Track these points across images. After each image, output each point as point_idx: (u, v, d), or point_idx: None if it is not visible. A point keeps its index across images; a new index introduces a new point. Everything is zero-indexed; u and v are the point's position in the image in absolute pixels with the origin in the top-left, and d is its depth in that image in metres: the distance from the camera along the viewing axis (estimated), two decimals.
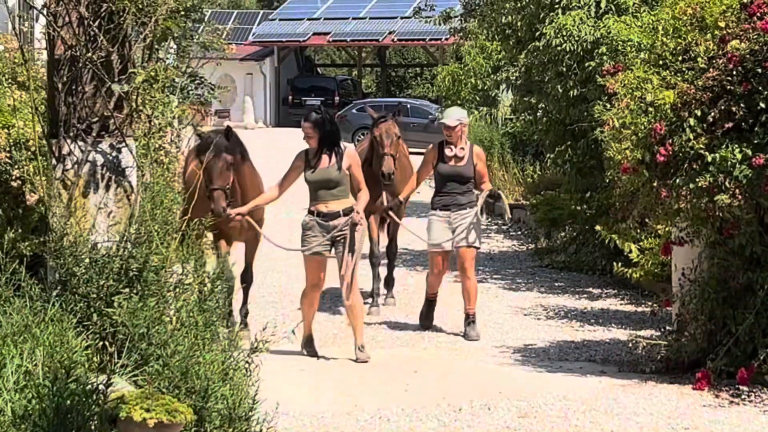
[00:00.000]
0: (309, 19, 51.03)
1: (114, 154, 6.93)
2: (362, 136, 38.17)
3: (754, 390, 8.47)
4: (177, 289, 6.80)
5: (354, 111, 39.62)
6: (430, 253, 10.99)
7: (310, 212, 9.72)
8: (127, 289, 6.54)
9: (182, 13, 7.60)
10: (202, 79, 16.23)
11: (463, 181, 10.67)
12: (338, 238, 9.64)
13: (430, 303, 11.23)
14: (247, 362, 6.33)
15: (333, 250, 9.70)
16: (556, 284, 13.91)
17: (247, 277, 10.81)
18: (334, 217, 9.62)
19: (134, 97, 6.93)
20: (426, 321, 11.23)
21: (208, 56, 14.46)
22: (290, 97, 49.38)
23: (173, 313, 6.59)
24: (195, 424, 5.78)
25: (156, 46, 7.21)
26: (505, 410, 8.08)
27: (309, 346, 9.92)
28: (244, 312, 10.64)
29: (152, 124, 7.20)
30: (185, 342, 6.11)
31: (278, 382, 8.65)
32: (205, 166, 9.53)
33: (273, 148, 36.61)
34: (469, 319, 10.81)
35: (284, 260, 15.09)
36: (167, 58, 7.97)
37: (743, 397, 8.36)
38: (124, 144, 6.96)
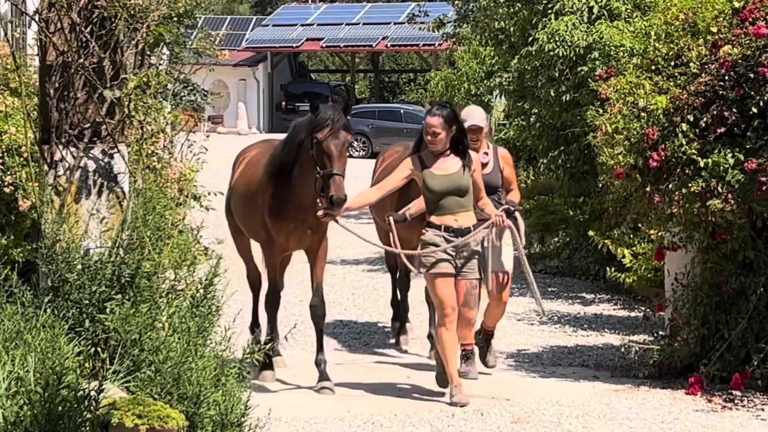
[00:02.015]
0: (302, 25, 51.09)
1: (106, 160, 6.92)
2: (355, 142, 38.31)
3: (747, 395, 8.47)
4: (169, 295, 6.80)
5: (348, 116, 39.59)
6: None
7: (435, 226, 8.26)
8: (119, 295, 6.53)
9: (174, 19, 7.59)
10: (195, 85, 16.21)
11: (491, 191, 8.98)
12: (467, 259, 8.28)
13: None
14: (239, 368, 6.31)
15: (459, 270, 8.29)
16: (549, 289, 13.91)
17: (317, 307, 9.00)
18: (463, 234, 8.23)
19: (126, 103, 6.92)
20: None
21: (201, 62, 14.46)
22: (284, 103, 49.43)
23: (165, 319, 6.58)
24: (187, 429, 5.77)
25: (148, 52, 7.21)
26: (498, 415, 8.07)
27: (458, 394, 8.29)
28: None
29: (144, 130, 7.21)
30: (177, 348, 6.09)
31: (271, 387, 8.67)
32: (319, 145, 8.14)
33: None
34: (487, 337, 9.58)
35: None
36: (160, 64, 7.97)
37: (736, 402, 8.36)
38: (116, 150, 6.95)
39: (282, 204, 8.67)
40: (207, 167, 13.25)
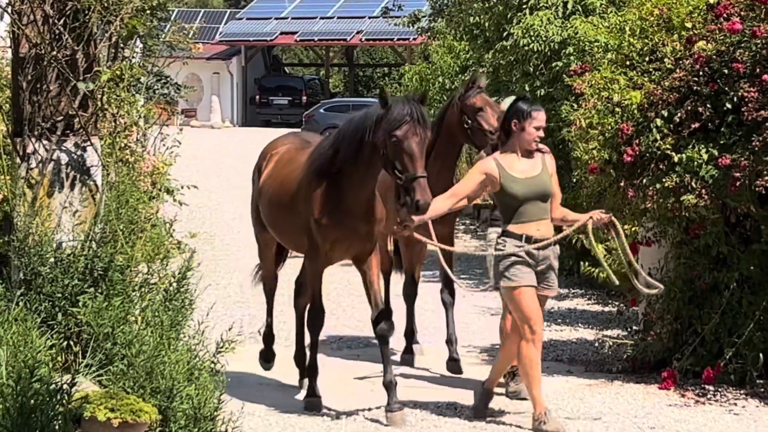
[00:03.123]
0: (276, 19, 50.97)
1: (79, 153, 6.87)
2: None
3: (719, 389, 8.50)
4: (142, 289, 6.76)
5: (322, 111, 39.56)
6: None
7: (514, 236, 7.40)
8: (92, 289, 6.49)
9: (148, 11, 7.55)
10: (168, 79, 16.19)
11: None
12: (544, 272, 7.50)
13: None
14: (212, 362, 6.28)
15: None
16: None
17: (383, 321, 7.98)
18: (545, 245, 7.42)
19: (99, 95, 6.88)
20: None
21: (175, 55, 14.40)
22: (257, 97, 49.33)
23: (138, 312, 6.55)
24: (160, 423, 5.74)
25: (121, 45, 7.15)
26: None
27: (548, 422, 7.44)
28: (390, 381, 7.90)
29: (117, 123, 7.16)
30: (150, 342, 6.06)
31: (244, 381, 8.64)
32: (398, 144, 7.20)
33: (241, 147, 36.57)
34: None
35: (249, 259, 15.05)
36: (133, 57, 7.91)
37: (709, 396, 8.39)
38: (89, 143, 6.90)
39: (331, 208, 7.77)
40: (180, 161, 13.22)
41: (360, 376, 9.14)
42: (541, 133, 7.42)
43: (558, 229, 7.69)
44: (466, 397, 8.22)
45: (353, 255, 8.03)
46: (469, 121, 8.91)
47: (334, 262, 8.33)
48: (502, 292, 7.52)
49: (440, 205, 7.44)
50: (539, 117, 7.40)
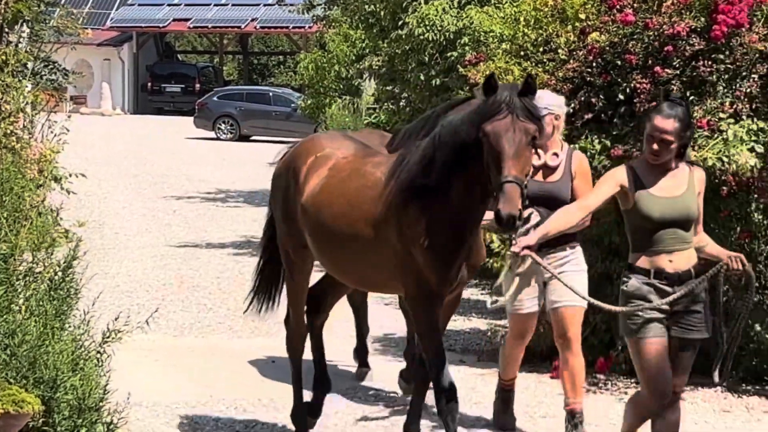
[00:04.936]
0: (169, 5, 50.49)
1: None
2: (223, 125, 38.00)
3: (611, 378, 8.58)
4: (27, 278, 6.57)
5: (215, 99, 39.23)
6: (511, 318, 7.46)
7: (641, 272, 5.88)
8: None
9: None
10: (57, 64, 15.84)
11: (554, 205, 6.71)
12: (684, 314, 5.88)
13: (505, 393, 7.70)
14: (98, 352, 6.14)
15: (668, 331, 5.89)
16: None
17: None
18: (681, 281, 5.83)
19: None
20: (504, 417, 7.66)
21: (63, 41, 14.14)
22: (149, 84, 48.83)
23: (22, 302, 6.36)
24: (43, 414, 5.61)
25: (6, 30, 6.94)
26: (362, 399, 8.04)
27: None
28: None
29: (2, 109, 6.96)
30: (34, 331, 5.89)
31: (131, 372, 8.47)
32: (486, 140, 5.71)
33: (133, 135, 36.16)
34: (575, 420, 7.24)
35: (139, 249, 14.84)
36: (19, 42, 7.70)
37: (600, 385, 8.45)
38: None
39: (441, 236, 6.09)
40: (69, 148, 12.96)
41: None
42: (659, 147, 5.77)
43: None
44: None
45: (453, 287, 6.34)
46: None
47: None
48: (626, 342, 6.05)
49: (569, 218, 6.01)
50: (660, 126, 5.76)
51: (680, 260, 5.83)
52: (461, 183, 5.97)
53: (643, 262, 5.85)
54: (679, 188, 5.85)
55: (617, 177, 5.92)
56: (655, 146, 5.76)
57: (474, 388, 8.37)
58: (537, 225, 6.20)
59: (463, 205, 6.02)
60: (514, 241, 5.79)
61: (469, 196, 5.98)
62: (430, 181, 6.02)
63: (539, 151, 6.38)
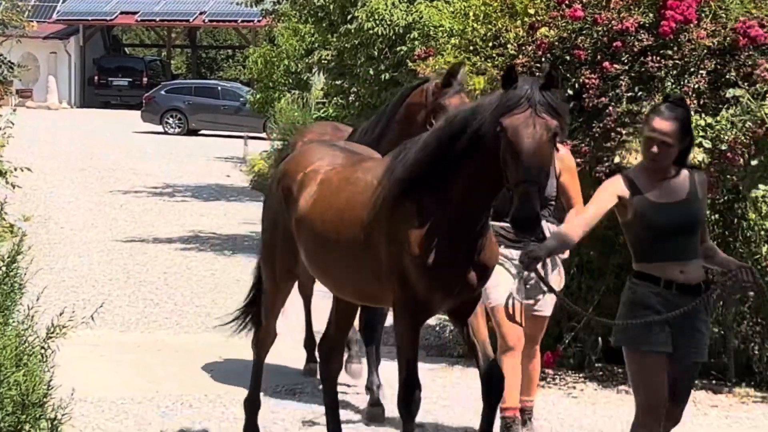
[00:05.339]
0: None
1: None
2: (170, 119, 37.75)
3: (559, 373, 8.60)
4: None
5: (163, 92, 38.96)
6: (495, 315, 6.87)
7: (650, 279, 5.44)
8: None
9: None
10: (1, 57, 15.66)
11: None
12: (692, 331, 5.45)
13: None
14: (42, 347, 6.05)
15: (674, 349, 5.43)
16: None
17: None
18: (692, 293, 5.40)
19: None
20: None
21: (7, 33, 13.98)
22: (96, 78, 48.44)
23: None
24: None
25: None
26: (310, 395, 8.01)
27: None
28: None
29: None
30: None
31: (76, 367, 8.38)
32: (504, 136, 5.20)
33: (79, 129, 35.84)
34: (525, 416, 7.06)
35: (85, 244, 14.71)
36: None
37: (548, 380, 8.46)
38: None
39: (437, 240, 5.59)
40: (14, 142, 12.83)
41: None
42: (659, 149, 5.36)
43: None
44: None
45: (458, 303, 5.81)
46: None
47: (434, 315, 6.19)
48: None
49: (573, 233, 5.51)
50: (659, 127, 5.37)
51: (691, 271, 5.40)
52: (464, 180, 5.49)
53: (652, 269, 5.41)
54: (682, 192, 5.45)
55: (613, 188, 5.49)
56: (655, 149, 5.34)
57: (423, 383, 8.30)
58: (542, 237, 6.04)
59: (464, 205, 5.51)
60: (523, 249, 5.40)
61: (471, 195, 5.47)
62: (427, 174, 5.59)
63: None
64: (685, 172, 5.49)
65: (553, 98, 5.24)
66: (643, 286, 5.42)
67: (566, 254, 6.11)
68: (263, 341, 6.90)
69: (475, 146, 5.39)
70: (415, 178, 5.61)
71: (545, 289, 6.28)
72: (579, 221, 5.61)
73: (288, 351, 9.25)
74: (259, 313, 7.00)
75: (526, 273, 6.30)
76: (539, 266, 5.56)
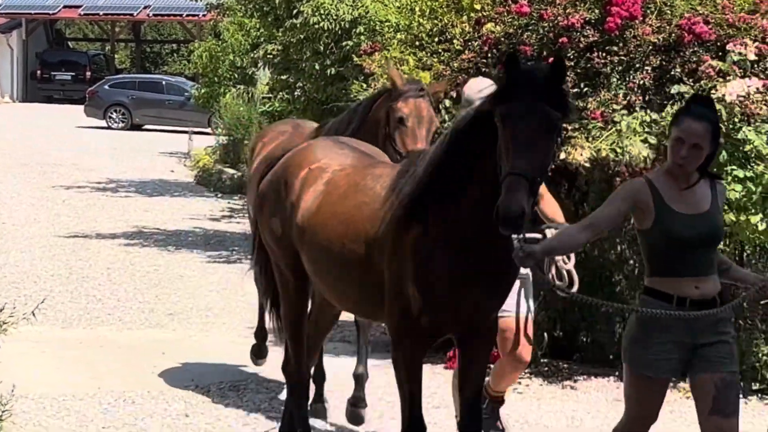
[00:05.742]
0: None
1: None
2: (114, 114, 37.44)
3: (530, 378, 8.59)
4: None
5: (107, 87, 38.63)
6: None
7: (661, 296, 5.03)
8: None
9: None
10: None
11: None
12: (712, 345, 5.04)
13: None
14: None
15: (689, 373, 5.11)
16: None
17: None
18: (707, 306, 5.02)
19: None
20: None
21: None
22: (39, 72, 47.96)
23: None
24: None
25: None
26: (254, 392, 7.95)
27: None
28: None
29: None
30: None
31: (17, 364, 8.28)
32: (501, 124, 4.76)
33: (22, 123, 35.43)
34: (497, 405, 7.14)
35: (27, 239, 14.53)
36: None
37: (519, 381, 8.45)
38: None
39: (446, 262, 5.15)
40: None
41: None
42: (688, 152, 4.93)
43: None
44: None
45: (466, 329, 5.46)
46: (387, 128, 7.09)
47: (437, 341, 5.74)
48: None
49: (576, 238, 5.08)
50: (691, 129, 4.94)
51: (707, 286, 5.01)
52: (477, 188, 4.98)
53: (665, 286, 5.01)
54: (705, 203, 5.05)
55: (632, 192, 5.05)
56: (684, 152, 4.90)
57: (369, 379, 8.30)
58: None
59: (478, 221, 4.96)
60: (517, 244, 4.85)
61: (486, 208, 4.79)
62: (434, 192, 5.13)
63: None
64: (707, 181, 5.09)
65: (558, 87, 4.77)
66: (654, 304, 5.00)
67: (572, 260, 5.65)
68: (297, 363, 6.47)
69: (483, 145, 4.90)
70: (425, 195, 5.17)
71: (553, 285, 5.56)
72: (586, 223, 5.12)
73: (230, 346, 9.21)
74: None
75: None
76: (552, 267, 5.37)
